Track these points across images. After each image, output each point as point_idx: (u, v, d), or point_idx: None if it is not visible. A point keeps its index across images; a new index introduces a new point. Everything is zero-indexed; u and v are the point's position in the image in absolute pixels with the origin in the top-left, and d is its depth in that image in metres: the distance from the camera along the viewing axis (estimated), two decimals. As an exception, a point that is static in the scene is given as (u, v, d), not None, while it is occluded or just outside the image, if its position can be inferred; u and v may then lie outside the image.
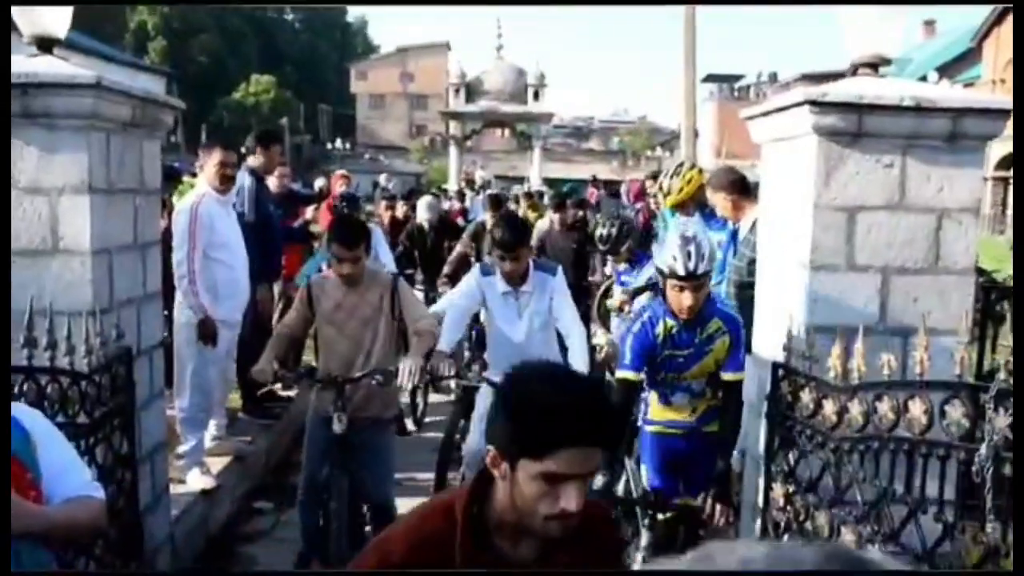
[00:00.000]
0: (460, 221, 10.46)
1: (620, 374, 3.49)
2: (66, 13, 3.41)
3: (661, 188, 5.44)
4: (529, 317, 4.37)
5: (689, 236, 3.31)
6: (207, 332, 4.80)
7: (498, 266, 4.32)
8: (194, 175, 8.70)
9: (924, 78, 31.14)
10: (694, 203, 5.25)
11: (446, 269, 7.30)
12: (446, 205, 12.14)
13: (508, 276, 4.31)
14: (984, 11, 37.04)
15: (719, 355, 3.49)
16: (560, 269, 4.54)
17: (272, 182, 6.76)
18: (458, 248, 7.63)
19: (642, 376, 3.52)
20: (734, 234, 4.95)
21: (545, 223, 8.70)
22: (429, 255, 8.11)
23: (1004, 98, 3.77)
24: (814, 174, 3.23)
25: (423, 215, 8.33)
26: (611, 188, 12.40)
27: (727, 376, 3.50)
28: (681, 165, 5.40)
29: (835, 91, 3.15)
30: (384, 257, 6.42)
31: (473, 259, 7.51)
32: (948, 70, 38.93)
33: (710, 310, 3.45)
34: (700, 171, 5.38)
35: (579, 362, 4.19)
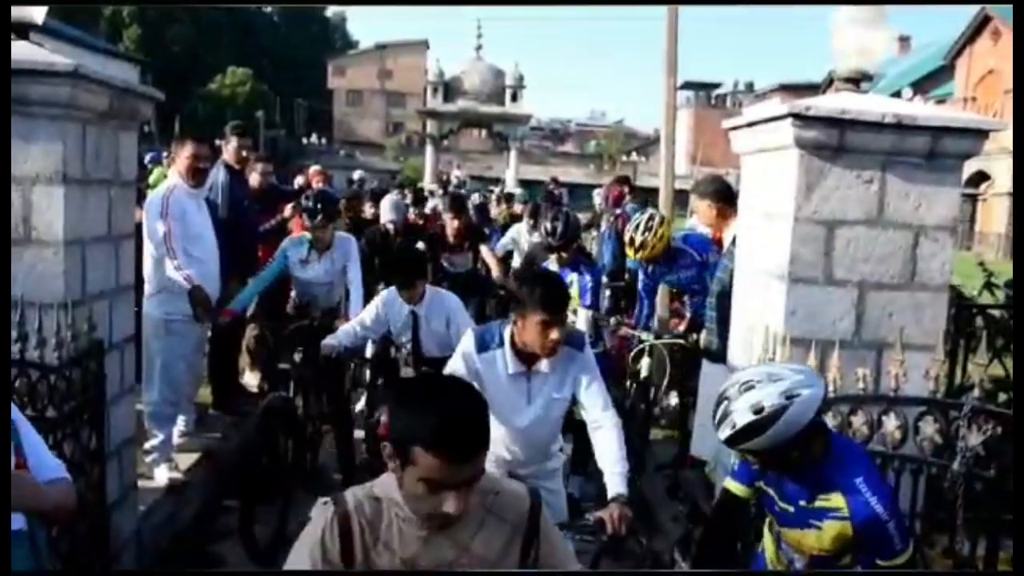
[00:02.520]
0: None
1: (724, 482, 2.69)
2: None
3: (632, 242, 5.33)
4: (544, 404, 3.12)
5: (721, 406, 2.31)
6: (199, 300, 4.69)
7: (535, 342, 2.95)
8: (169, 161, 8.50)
9: (898, 93, 31.52)
10: (662, 254, 5.34)
11: None
12: (427, 207, 11.43)
13: (543, 352, 2.99)
14: (958, 29, 37.73)
15: (828, 540, 2.34)
16: (587, 340, 3.32)
17: (254, 178, 6.61)
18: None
19: (750, 492, 2.60)
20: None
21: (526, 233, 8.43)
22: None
23: (982, 117, 3.82)
24: (794, 187, 3.25)
25: (387, 216, 7.56)
26: (550, 189, 12.37)
27: (881, 562, 2.28)
28: (652, 219, 5.32)
29: (818, 105, 3.17)
30: (353, 278, 5.57)
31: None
32: (921, 86, 39.52)
33: (837, 477, 2.31)
34: (668, 223, 5.45)
35: (615, 475, 2.92)
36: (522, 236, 8.68)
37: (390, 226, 7.38)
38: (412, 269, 4.61)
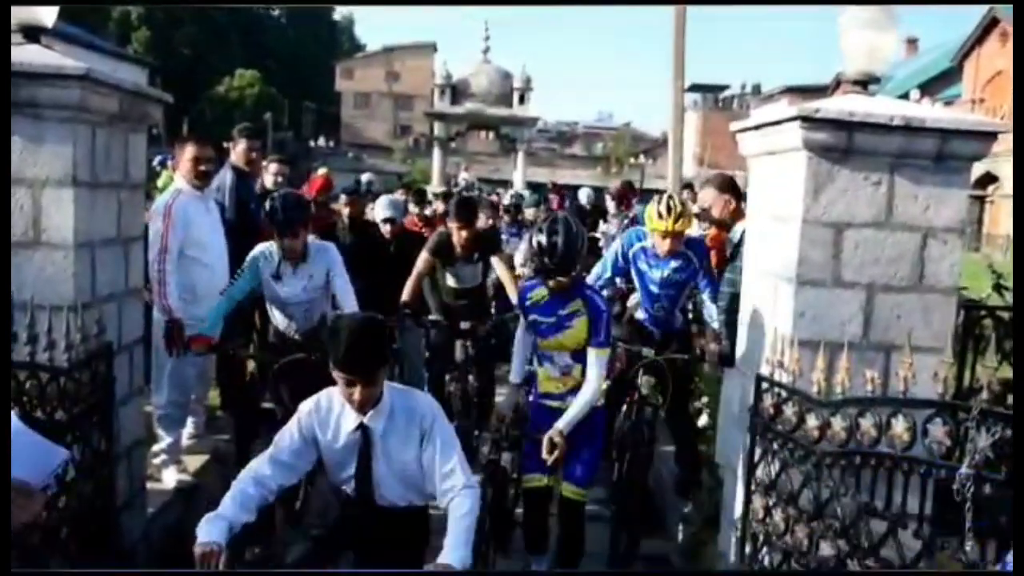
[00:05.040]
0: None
1: None
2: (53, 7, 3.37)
3: (669, 209, 4.63)
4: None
5: None
6: (173, 334, 4.53)
7: None
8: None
9: (906, 95, 31.53)
10: (682, 238, 4.78)
11: (405, 295, 5.56)
12: (427, 211, 10.01)
13: None
14: (966, 31, 37.63)
15: None
16: None
17: (267, 179, 6.58)
18: (417, 266, 5.70)
19: None
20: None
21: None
22: (386, 274, 5.95)
23: (991, 120, 3.81)
24: (803, 189, 3.25)
25: (382, 213, 6.39)
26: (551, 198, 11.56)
27: None
28: (673, 198, 4.77)
29: (826, 108, 3.17)
30: (342, 294, 4.61)
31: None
32: (929, 88, 39.47)
33: None
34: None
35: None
36: None
37: (386, 227, 6.30)
38: (372, 353, 2.69)
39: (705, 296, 4.85)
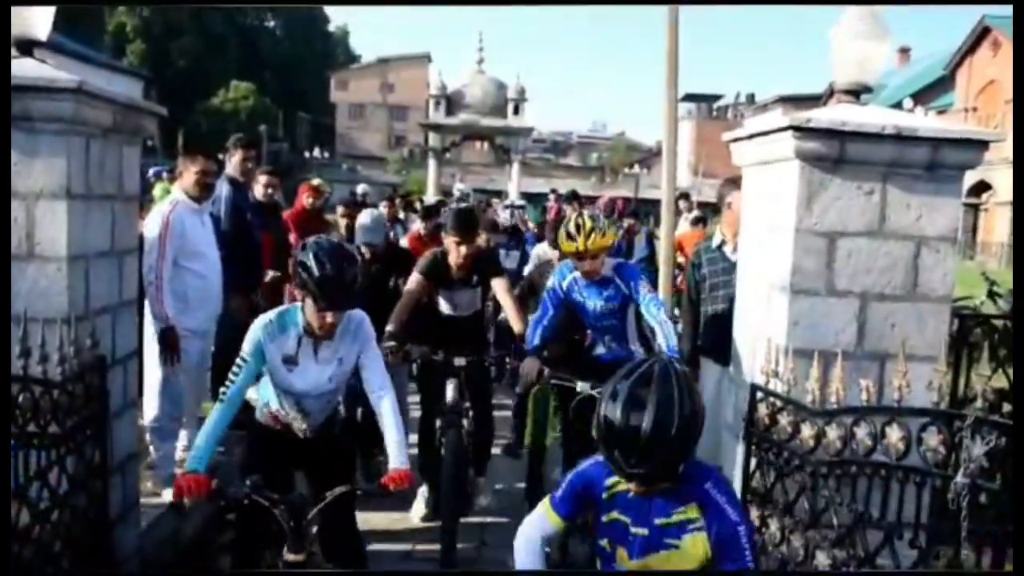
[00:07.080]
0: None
1: None
2: (48, 14, 3.37)
3: (579, 227, 4.14)
4: None
5: None
6: (169, 342, 4.65)
7: None
8: (172, 177, 8.30)
9: (899, 104, 31.70)
10: (605, 254, 4.32)
11: (390, 325, 4.66)
12: (415, 226, 9.09)
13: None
14: (957, 40, 37.88)
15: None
16: None
17: (258, 190, 6.57)
18: (407, 288, 4.96)
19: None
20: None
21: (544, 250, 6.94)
22: (369, 296, 5.33)
23: (982, 129, 3.83)
24: (795, 199, 3.25)
25: (361, 236, 5.67)
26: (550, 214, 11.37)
27: None
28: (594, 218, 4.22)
29: (818, 117, 3.18)
30: (377, 378, 3.42)
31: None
32: (921, 97, 39.71)
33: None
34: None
35: None
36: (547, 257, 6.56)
37: (365, 250, 5.57)
38: None
39: (651, 318, 4.18)
